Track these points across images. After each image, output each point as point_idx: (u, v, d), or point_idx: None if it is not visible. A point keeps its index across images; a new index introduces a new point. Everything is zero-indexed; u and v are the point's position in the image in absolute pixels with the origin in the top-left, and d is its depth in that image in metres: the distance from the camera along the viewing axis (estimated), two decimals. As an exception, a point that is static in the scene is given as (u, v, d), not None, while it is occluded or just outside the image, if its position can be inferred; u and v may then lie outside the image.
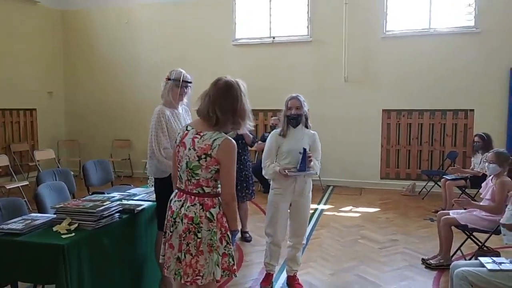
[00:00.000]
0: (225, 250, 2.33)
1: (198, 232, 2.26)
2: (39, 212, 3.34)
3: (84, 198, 3.23)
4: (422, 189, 7.18)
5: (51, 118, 9.14)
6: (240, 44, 8.42)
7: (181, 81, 3.29)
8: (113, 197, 3.47)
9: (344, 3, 7.63)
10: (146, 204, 3.34)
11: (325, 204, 6.62)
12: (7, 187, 6.06)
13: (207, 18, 8.50)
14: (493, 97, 7.20)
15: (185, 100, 3.39)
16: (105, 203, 2.93)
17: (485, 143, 5.73)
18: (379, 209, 6.31)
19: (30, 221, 2.83)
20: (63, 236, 2.61)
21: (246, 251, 4.47)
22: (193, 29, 8.59)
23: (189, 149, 2.29)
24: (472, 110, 7.33)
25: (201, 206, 2.28)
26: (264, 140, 7.63)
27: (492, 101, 7.20)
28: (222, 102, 2.26)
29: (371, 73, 7.74)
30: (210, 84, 2.36)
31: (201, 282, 2.29)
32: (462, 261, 3.35)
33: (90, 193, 4.19)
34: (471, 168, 6.08)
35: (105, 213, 2.81)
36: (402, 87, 7.60)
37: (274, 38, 8.18)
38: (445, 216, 4.02)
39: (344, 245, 4.68)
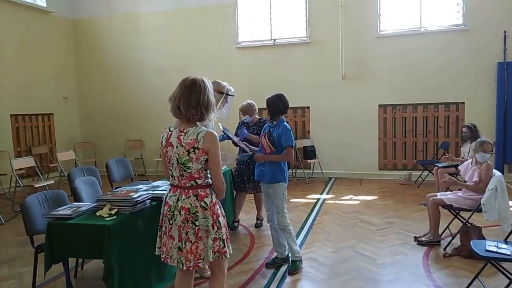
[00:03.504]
0: (216, 235, 2.56)
1: (196, 220, 2.51)
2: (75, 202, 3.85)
3: (121, 189, 3.77)
4: (418, 178, 7.68)
5: (67, 122, 9.71)
6: (243, 47, 8.93)
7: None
8: (141, 188, 3.99)
9: (340, 6, 8.14)
10: (170, 193, 3.86)
11: (327, 194, 7.13)
12: (36, 186, 6.59)
13: (211, 23, 9.02)
14: (482, 90, 7.69)
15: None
16: (138, 192, 3.46)
17: (473, 133, 6.16)
18: (377, 197, 6.82)
19: (76, 208, 3.35)
20: (107, 219, 3.13)
21: (257, 235, 5.01)
22: (198, 33, 9.11)
23: (177, 146, 2.51)
24: (463, 103, 7.82)
25: (195, 197, 2.53)
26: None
27: (481, 94, 7.70)
28: (186, 98, 2.48)
29: (367, 70, 8.24)
30: (177, 85, 2.59)
31: (202, 265, 2.56)
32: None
33: (114, 188, 4.71)
34: (461, 156, 6.56)
35: (139, 199, 3.32)
36: (397, 83, 8.11)
37: (275, 40, 8.69)
38: (433, 198, 4.52)
39: (345, 228, 5.19)
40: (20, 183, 6.67)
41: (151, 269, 3.53)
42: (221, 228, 2.61)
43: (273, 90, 4.09)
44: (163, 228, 2.66)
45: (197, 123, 2.57)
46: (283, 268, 3.99)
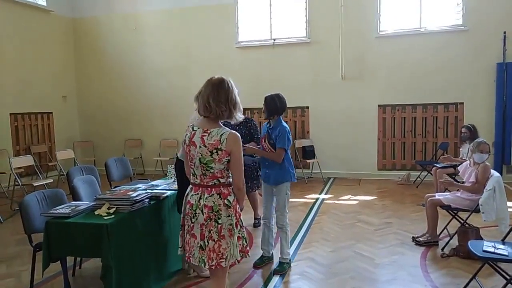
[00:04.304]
0: (239, 233, 2.60)
1: (219, 218, 2.51)
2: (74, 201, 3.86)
3: (119, 188, 3.77)
4: (416, 178, 7.69)
5: (66, 121, 9.71)
6: (243, 46, 8.93)
7: None
8: (140, 187, 4.00)
9: (340, 6, 8.13)
10: (169, 192, 3.87)
11: (325, 194, 7.14)
12: (34, 185, 6.59)
13: (211, 22, 9.02)
14: (481, 91, 7.69)
15: None
16: (137, 191, 3.47)
17: (472, 133, 6.15)
18: (376, 197, 6.82)
19: (74, 207, 3.36)
20: (105, 218, 3.13)
21: (255, 235, 5.01)
22: (197, 33, 9.11)
23: (200, 146, 2.51)
24: (462, 103, 7.83)
25: (218, 196, 2.53)
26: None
27: (480, 94, 7.70)
28: (215, 95, 2.50)
29: (367, 71, 8.24)
30: (203, 85, 2.62)
31: (225, 264, 2.53)
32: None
33: (112, 187, 4.70)
34: (460, 157, 6.57)
35: (138, 198, 3.33)
36: (396, 83, 8.11)
37: (274, 40, 8.69)
38: (431, 198, 4.53)
39: (343, 227, 5.20)
40: (19, 181, 6.68)
41: (149, 268, 3.53)
42: (243, 227, 2.65)
43: (273, 90, 4.08)
44: (186, 227, 2.66)
45: (220, 122, 2.58)
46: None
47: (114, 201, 3.30)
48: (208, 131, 2.52)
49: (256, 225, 5.31)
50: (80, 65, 10.03)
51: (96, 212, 3.24)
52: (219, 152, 2.49)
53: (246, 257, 2.68)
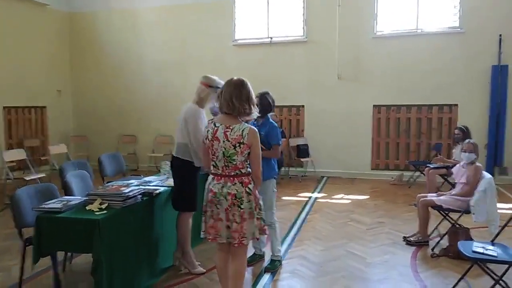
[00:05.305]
0: (258, 215, 2.96)
1: (241, 204, 2.86)
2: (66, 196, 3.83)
3: (112, 183, 3.75)
4: (409, 178, 7.73)
5: (60, 115, 9.66)
6: (240, 44, 8.91)
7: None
8: (133, 183, 3.99)
9: (337, 6, 8.14)
10: (162, 188, 3.86)
11: (319, 192, 7.16)
12: (26, 179, 6.56)
13: (208, 20, 8.99)
14: (476, 93, 7.73)
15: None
16: (129, 187, 3.46)
17: (465, 134, 6.19)
18: (369, 196, 6.85)
19: (66, 201, 3.34)
20: (97, 213, 3.12)
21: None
22: (195, 30, 9.08)
23: (224, 141, 2.83)
24: (456, 105, 7.87)
25: (241, 184, 2.87)
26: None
27: (474, 97, 7.74)
28: (238, 94, 2.84)
29: (363, 71, 8.26)
30: (223, 85, 2.97)
31: (246, 242, 2.93)
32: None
33: (105, 183, 4.68)
34: (453, 158, 6.61)
35: (130, 194, 3.32)
36: (392, 84, 8.13)
37: (271, 38, 8.68)
38: (423, 198, 4.56)
39: (335, 226, 5.22)
40: (11, 175, 6.64)
41: (141, 265, 3.53)
42: (261, 209, 3.00)
43: (269, 88, 4.08)
44: (208, 213, 2.97)
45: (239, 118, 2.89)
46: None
47: (106, 196, 3.28)
48: (231, 127, 2.84)
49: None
50: (76, 60, 9.97)
51: (87, 207, 3.22)
52: (242, 145, 2.81)
53: (264, 234, 3.06)
